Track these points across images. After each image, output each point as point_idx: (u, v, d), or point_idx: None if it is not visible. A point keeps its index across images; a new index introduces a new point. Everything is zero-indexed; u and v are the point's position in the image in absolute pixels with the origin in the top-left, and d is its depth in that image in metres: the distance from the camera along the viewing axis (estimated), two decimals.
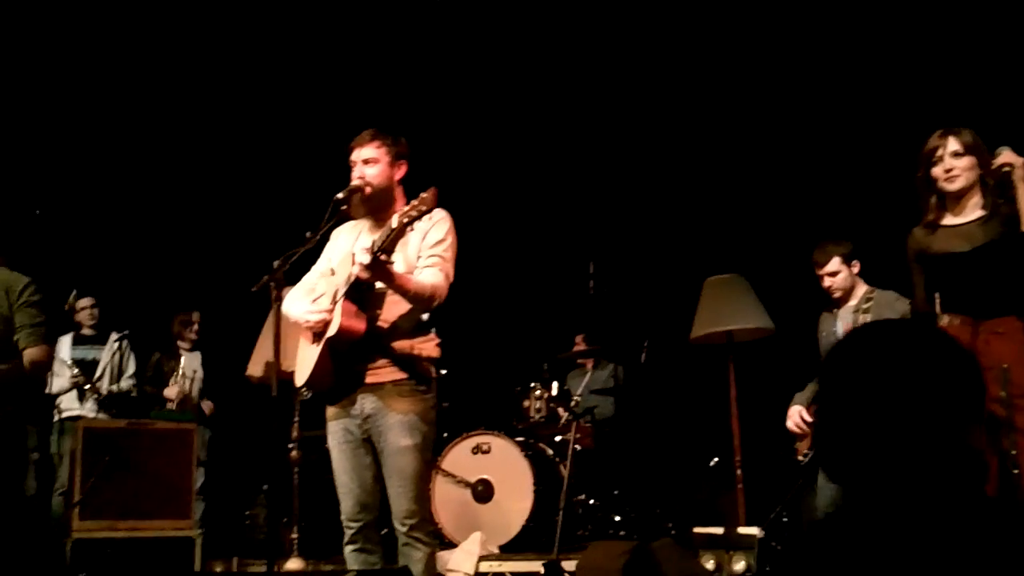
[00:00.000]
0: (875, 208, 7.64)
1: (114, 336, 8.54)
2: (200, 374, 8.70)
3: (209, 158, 9.67)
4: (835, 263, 5.85)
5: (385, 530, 4.59)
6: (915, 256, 4.59)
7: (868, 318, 5.74)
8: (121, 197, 9.60)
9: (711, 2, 8.55)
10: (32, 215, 7.01)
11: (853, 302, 5.89)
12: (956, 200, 4.45)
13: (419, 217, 3.96)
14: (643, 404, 8.36)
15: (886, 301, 5.77)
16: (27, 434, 5.87)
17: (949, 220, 4.48)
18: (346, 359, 4.32)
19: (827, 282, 5.89)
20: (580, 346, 8.75)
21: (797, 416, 5.95)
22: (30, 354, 5.51)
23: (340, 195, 4.34)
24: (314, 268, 4.66)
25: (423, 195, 3.94)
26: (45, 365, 5.76)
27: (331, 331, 4.23)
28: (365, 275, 4.08)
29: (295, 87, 9.39)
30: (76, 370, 8.22)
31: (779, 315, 6.60)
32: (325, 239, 4.57)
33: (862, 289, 5.90)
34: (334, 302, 4.32)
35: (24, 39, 8.75)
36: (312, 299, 4.49)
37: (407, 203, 4.40)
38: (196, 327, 8.82)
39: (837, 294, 5.90)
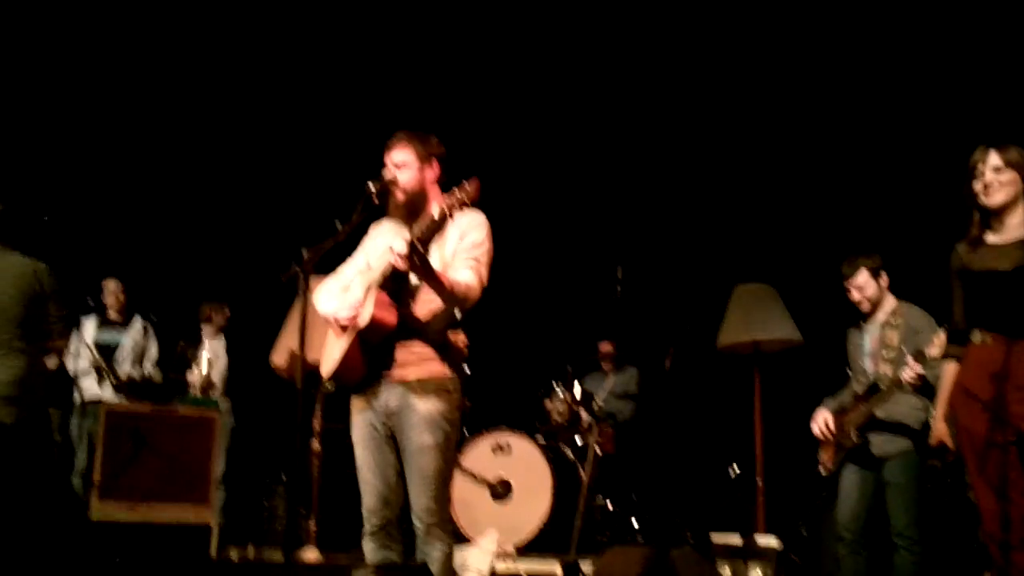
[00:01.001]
0: (906, 222, 7.62)
1: (139, 321, 8.57)
2: (224, 360, 8.69)
3: (241, 146, 9.69)
4: (863, 276, 5.79)
5: (404, 524, 4.57)
6: (957, 272, 4.55)
7: (896, 334, 5.70)
8: (151, 184, 9.63)
9: (748, 15, 8.51)
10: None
11: (881, 316, 5.82)
12: (999, 218, 4.41)
13: (461, 207, 3.91)
14: (666, 410, 8.34)
15: (914, 317, 5.71)
16: (51, 418, 6.02)
17: (992, 238, 4.44)
18: (374, 352, 4.30)
19: (855, 295, 5.84)
20: (607, 351, 8.73)
21: (822, 421, 5.90)
22: (57, 344, 5.79)
23: (373, 187, 4.31)
24: (350, 262, 4.63)
25: (466, 185, 3.90)
26: (63, 352, 5.97)
27: (362, 321, 4.20)
28: (402, 265, 4.02)
29: (331, 78, 9.39)
30: (95, 353, 8.24)
31: (807, 327, 6.57)
32: (358, 231, 4.53)
33: (890, 303, 5.83)
34: (366, 294, 4.29)
35: (62, 23, 8.79)
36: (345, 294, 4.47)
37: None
38: (227, 315, 8.84)
39: (865, 307, 5.84)
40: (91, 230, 9.03)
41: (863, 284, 5.80)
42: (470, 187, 3.90)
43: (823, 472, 5.94)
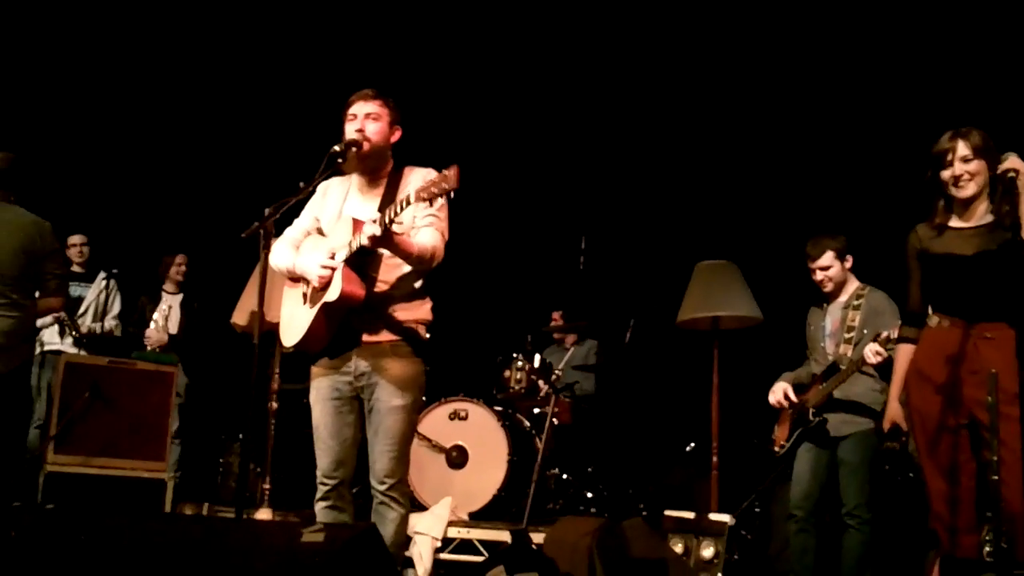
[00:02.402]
0: (870, 204, 7.65)
1: (102, 275, 8.49)
2: (176, 313, 8.61)
3: (206, 103, 9.63)
4: (828, 257, 5.81)
5: (356, 489, 4.59)
6: (916, 254, 4.54)
7: (857, 315, 5.73)
8: (117, 139, 9.57)
9: None
10: None
11: (843, 298, 5.86)
12: (964, 204, 4.41)
13: (440, 195, 3.89)
14: (624, 384, 8.36)
15: (876, 300, 5.74)
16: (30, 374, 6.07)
17: (955, 223, 4.43)
18: (343, 321, 4.30)
19: (819, 276, 5.86)
20: (557, 322, 8.75)
21: (781, 393, 5.94)
22: (50, 302, 5.84)
23: (337, 148, 4.29)
24: (297, 222, 4.60)
25: (446, 172, 3.87)
26: (56, 312, 6.04)
27: (330, 296, 4.20)
28: (374, 245, 4.07)
29: (294, 35, 9.34)
30: None
31: (768, 305, 6.60)
32: (312, 191, 4.52)
33: (853, 285, 5.87)
34: (332, 263, 4.28)
35: None
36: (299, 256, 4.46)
37: (395, 168, 4.40)
38: (183, 268, 8.76)
39: (828, 288, 5.86)
40: (59, 184, 8.95)
41: (828, 265, 5.82)
42: (451, 174, 3.87)
43: (776, 450, 5.99)
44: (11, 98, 8.93)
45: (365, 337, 4.30)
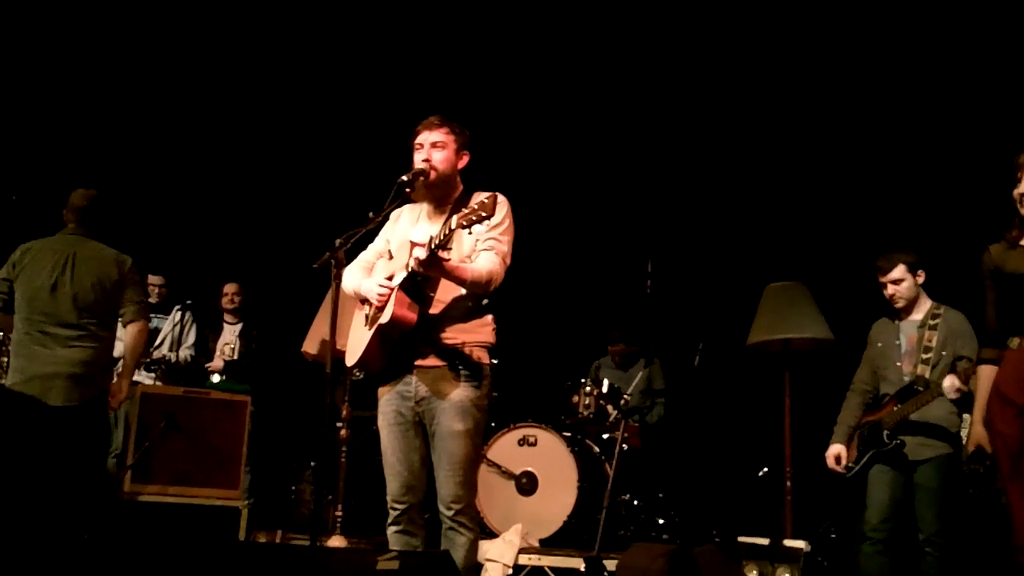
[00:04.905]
0: (940, 222, 7.55)
1: (177, 307, 8.63)
2: (234, 345, 8.71)
3: (276, 136, 9.75)
4: (900, 270, 5.69)
5: (428, 514, 4.60)
6: (989, 273, 4.48)
7: (935, 335, 5.61)
8: (193, 175, 9.75)
9: (783, 13, 8.45)
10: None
11: (918, 316, 5.73)
12: None
13: (479, 222, 3.93)
14: (694, 407, 8.31)
15: (956, 321, 5.61)
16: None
17: None
18: (399, 343, 4.34)
19: (890, 290, 5.74)
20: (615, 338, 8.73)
21: (832, 460, 5.86)
22: (135, 327, 6.13)
23: (405, 177, 4.34)
24: (371, 247, 4.69)
25: (484, 200, 3.92)
26: (142, 337, 6.22)
27: (383, 319, 4.25)
28: (421, 269, 4.11)
29: (358, 68, 9.43)
30: None
31: (839, 326, 6.53)
32: (385, 218, 4.58)
33: (927, 304, 5.74)
34: (390, 290, 4.34)
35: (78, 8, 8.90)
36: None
37: (463, 193, 4.43)
38: (232, 298, 8.84)
39: (899, 304, 5.74)
40: (137, 218, 9.12)
41: (899, 278, 5.70)
42: (488, 202, 3.91)
43: (839, 468, 5.86)
44: (92, 138, 9.14)
45: (423, 360, 4.33)
